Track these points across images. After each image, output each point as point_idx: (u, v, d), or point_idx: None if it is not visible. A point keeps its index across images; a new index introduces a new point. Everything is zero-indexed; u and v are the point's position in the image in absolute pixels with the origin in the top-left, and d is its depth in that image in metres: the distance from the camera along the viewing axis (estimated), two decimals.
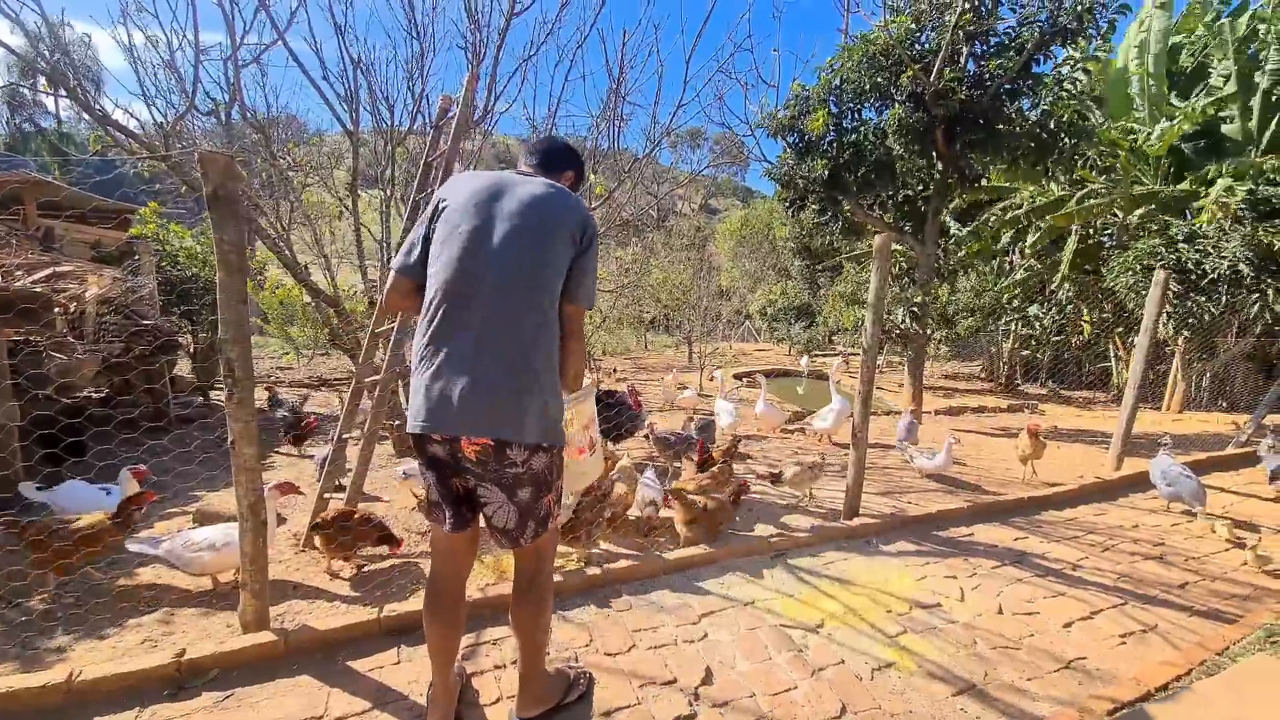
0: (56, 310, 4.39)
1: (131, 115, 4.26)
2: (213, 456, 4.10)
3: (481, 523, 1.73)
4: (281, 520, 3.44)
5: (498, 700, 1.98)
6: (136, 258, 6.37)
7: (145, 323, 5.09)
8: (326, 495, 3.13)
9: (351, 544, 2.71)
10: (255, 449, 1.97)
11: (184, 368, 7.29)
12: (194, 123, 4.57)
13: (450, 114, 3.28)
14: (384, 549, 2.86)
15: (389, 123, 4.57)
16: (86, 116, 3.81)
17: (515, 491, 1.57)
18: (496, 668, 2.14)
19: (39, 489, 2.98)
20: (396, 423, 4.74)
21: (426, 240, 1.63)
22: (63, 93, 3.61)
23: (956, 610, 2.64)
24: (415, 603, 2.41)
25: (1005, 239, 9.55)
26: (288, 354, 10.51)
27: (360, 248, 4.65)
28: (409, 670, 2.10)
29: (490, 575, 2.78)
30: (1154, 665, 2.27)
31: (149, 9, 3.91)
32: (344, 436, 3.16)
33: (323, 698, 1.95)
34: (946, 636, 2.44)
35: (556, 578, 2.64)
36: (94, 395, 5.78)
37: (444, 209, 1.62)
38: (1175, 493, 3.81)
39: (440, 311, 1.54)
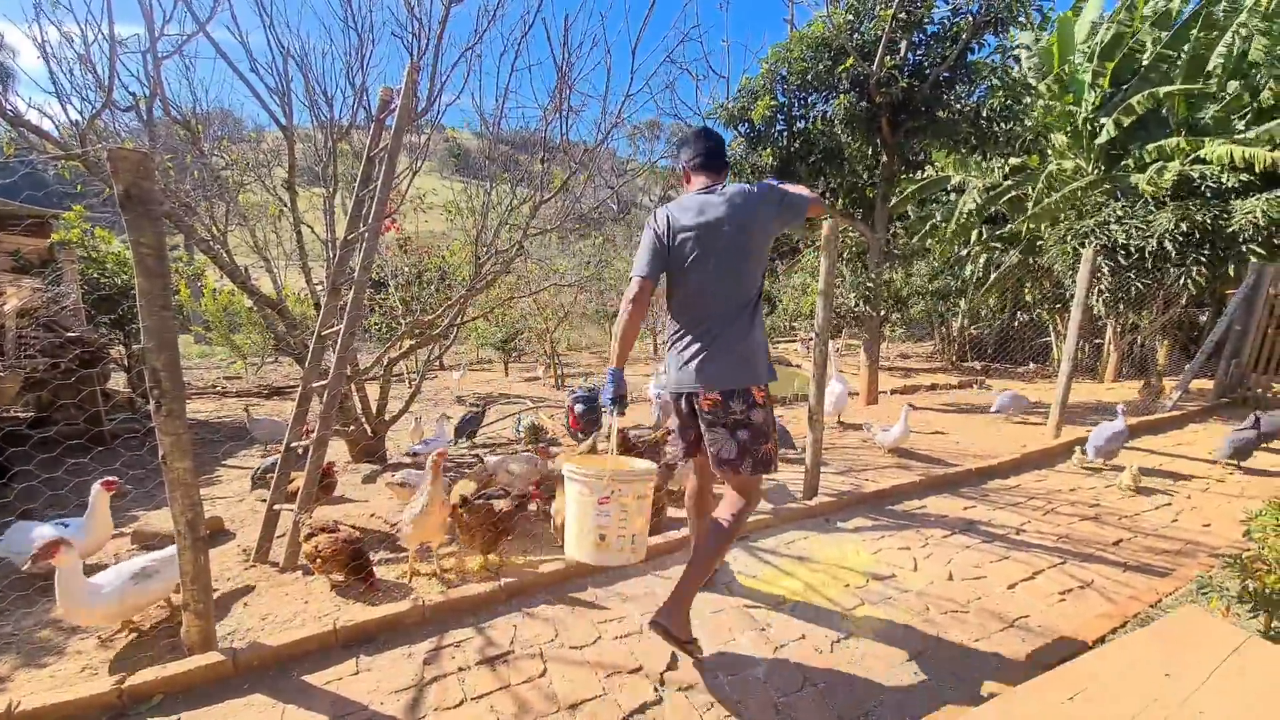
0: None
1: (46, 115, 3.98)
2: (149, 473, 3.89)
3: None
4: (230, 536, 3.31)
5: (460, 703, 1.95)
6: (58, 266, 5.98)
7: (70, 335, 4.79)
8: (277, 507, 3.02)
9: (327, 565, 2.61)
10: (189, 462, 1.87)
11: (119, 381, 6.90)
12: (116, 121, 4.29)
13: (392, 106, 3.18)
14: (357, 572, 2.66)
15: (329, 117, 4.39)
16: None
17: (736, 432, 2.06)
18: (460, 670, 2.11)
19: None
20: (351, 427, 4.61)
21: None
22: None
23: (910, 580, 2.74)
24: (375, 611, 2.36)
25: (954, 227, 9.87)
26: (235, 363, 10.07)
27: (302, 248, 4.46)
28: (368, 680, 2.05)
29: (452, 577, 2.74)
30: (1091, 619, 2.42)
31: (63, 3, 3.64)
32: (292, 445, 3.04)
33: (276, 715, 1.89)
34: (901, 605, 2.53)
35: (521, 574, 2.63)
36: (20, 415, 5.42)
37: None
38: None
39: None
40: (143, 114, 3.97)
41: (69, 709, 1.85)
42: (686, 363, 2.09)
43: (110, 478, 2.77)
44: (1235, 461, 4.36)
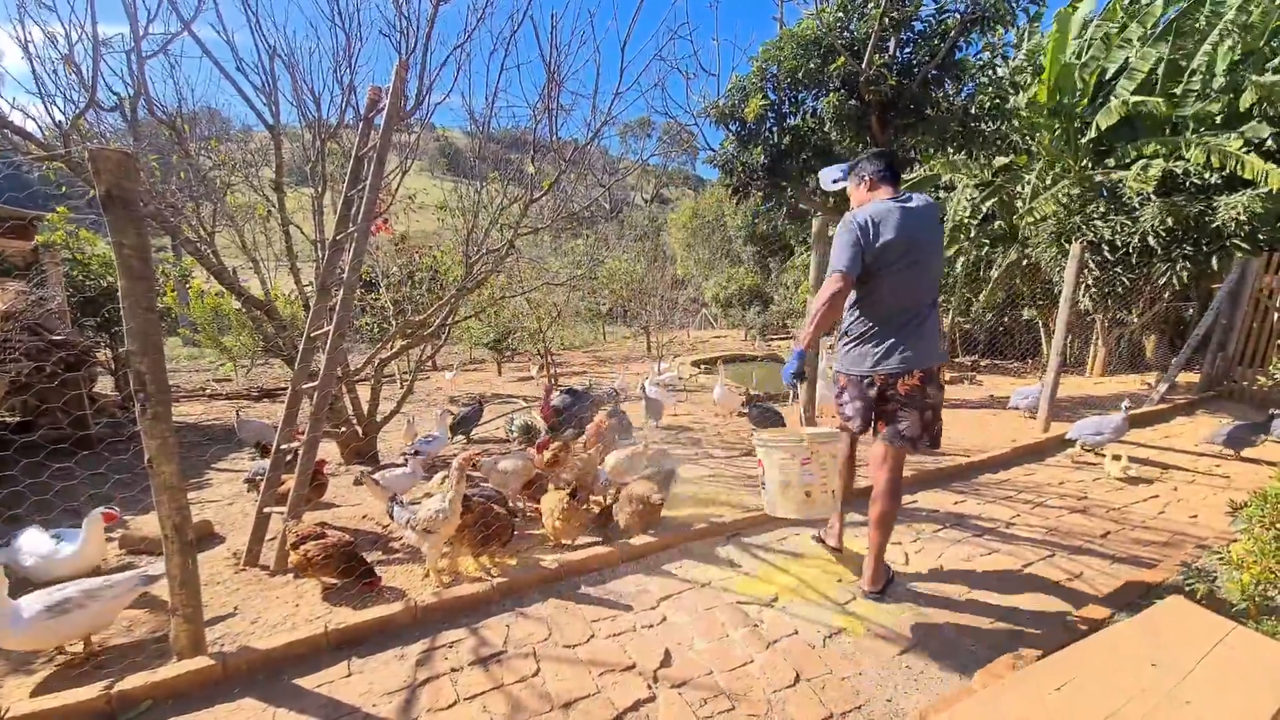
0: None
1: (29, 116, 3.93)
2: (135, 476, 3.85)
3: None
4: (219, 539, 3.29)
5: (454, 703, 1.95)
6: (43, 268, 5.90)
7: (55, 338, 4.73)
8: (267, 510, 3.00)
9: (319, 572, 2.57)
10: (176, 465, 1.85)
11: (106, 385, 6.82)
12: (101, 122, 4.24)
13: (380, 105, 3.16)
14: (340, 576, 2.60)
15: (317, 117, 4.36)
16: None
17: (924, 413, 2.39)
18: (453, 670, 2.10)
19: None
20: (342, 428, 4.58)
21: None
22: None
23: (901, 573, 2.76)
24: (366, 613, 2.35)
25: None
26: (224, 365, 9.98)
27: (290, 249, 4.42)
28: (360, 682, 2.04)
29: (445, 578, 2.72)
30: (1080, 611, 2.44)
31: (47, 3, 3.60)
32: (283, 447, 3.02)
33: (267, 719, 1.88)
34: (892, 599, 2.54)
35: (514, 574, 2.63)
36: (7, 420, 5.34)
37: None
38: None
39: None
40: (127, 114, 3.92)
41: (57, 715, 1.83)
42: (890, 351, 2.39)
43: (110, 509, 2.77)
44: (1232, 450, 4.44)
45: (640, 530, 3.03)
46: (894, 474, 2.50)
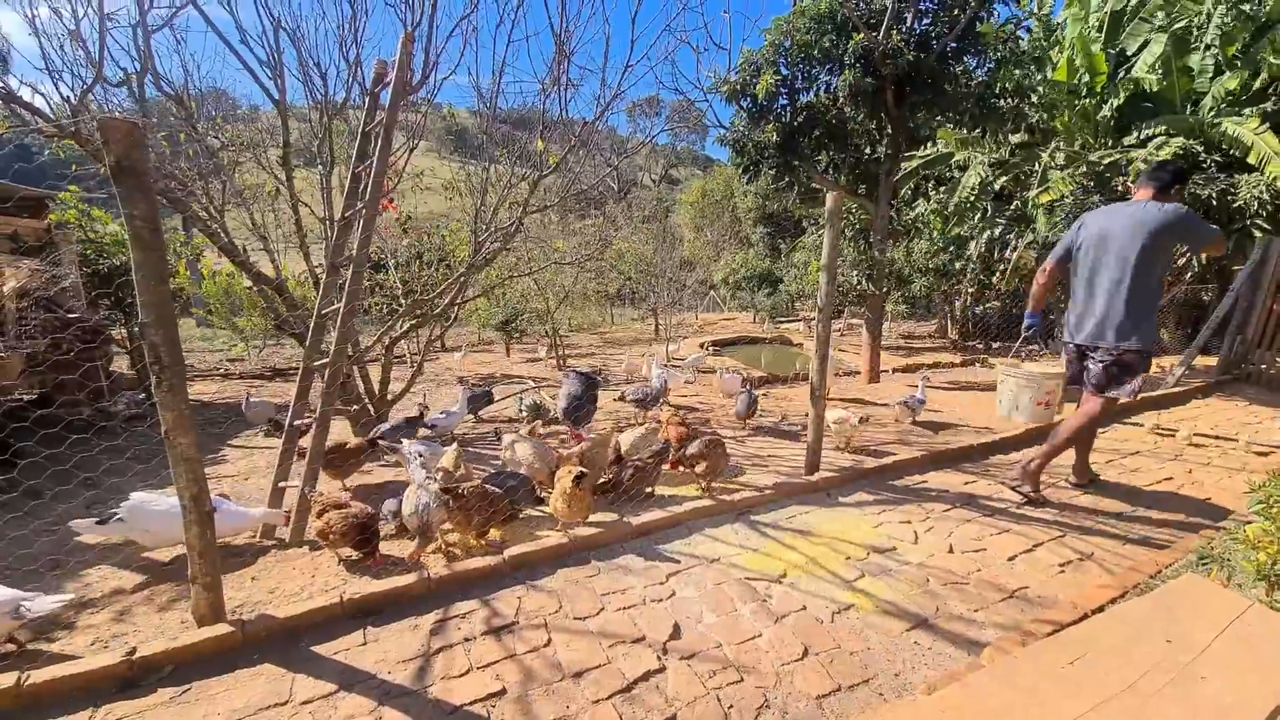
0: None
1: (39, 93, 3.92)
2: (153, 448, 3.90)
3: None
4: None
5: (467, 671, 1.98)
6: (57, 247, 5.94)
7: (71, 316, 4.78)
8: (282, 484, 3.04)
9: (338, 541, 2.61)
10: (192, 437, 1.87)
11: (123, 365, 6.90)
12: (109, 99, 4.23)
13: (386, 80, 3.12)
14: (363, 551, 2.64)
15: (323, 93, 4.31)
16: None
17: (1109, 368, 3.10)
18: (466, 640, 2.14)
19: (100, 523, 2.60)
20: (354, 408, 4.61)
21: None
22: None
23: (910, 553, 2.76)
24: (381, 583, 2.38)
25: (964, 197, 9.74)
26: (236, 345, 10.08)
27: (299, 225, 4.42)
28: (376, 650, 2.08)
29: (458, 551, 2.76)
30: (1091, 590, 2.43)
31: None
32: (295, 423, 3.05)
33: (286, 684, 1.92)
34: (901, 577, 2.55)
35: (525, 548, 2.65)
36: (25, 397, 5.43)
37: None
38: None
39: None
40: (134, 90, 3.90)
41: (79, 681, 1.87)
42: (1075, 323, 3.23)
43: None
44: None
45: (716, 478, 3.43)
46: (1086, 412, 3.23)
